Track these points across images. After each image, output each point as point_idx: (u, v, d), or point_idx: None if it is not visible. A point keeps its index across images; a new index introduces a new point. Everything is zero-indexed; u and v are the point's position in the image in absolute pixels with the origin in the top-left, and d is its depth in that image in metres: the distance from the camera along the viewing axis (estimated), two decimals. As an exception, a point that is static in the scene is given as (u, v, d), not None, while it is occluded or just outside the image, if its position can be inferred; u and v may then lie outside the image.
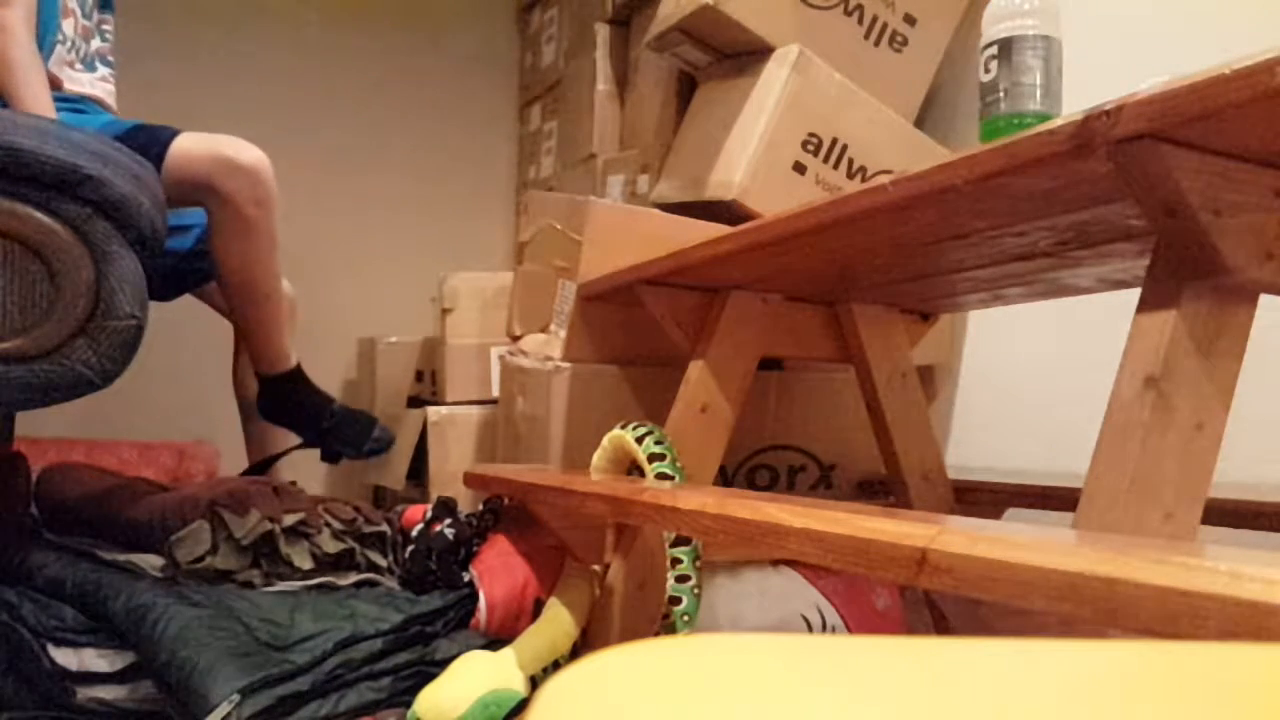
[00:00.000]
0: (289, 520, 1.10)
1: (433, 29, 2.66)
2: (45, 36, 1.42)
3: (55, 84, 1.45)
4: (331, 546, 1.12)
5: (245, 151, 1.36)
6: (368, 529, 1.17)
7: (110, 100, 1.59)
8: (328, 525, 1.13)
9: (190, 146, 1.37)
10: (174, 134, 1.38)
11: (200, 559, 1.05)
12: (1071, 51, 0.90)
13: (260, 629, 0.95)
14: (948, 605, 1.16)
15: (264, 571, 1.07)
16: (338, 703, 0.91)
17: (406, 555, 1.16)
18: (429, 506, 1.23)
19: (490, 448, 1.70)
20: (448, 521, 1.18)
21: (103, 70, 1.59)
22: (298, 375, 1.52)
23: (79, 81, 1.52)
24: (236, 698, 0.85)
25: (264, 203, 1.37)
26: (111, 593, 0.99)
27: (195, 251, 1.56)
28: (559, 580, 1.11)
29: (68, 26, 1.48)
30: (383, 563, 1.16)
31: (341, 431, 1.52)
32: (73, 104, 1.47)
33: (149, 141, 1.36)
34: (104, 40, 1.60)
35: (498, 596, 1.09)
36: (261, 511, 1.10)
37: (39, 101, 1.30)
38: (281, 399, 1.51)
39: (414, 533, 1.18)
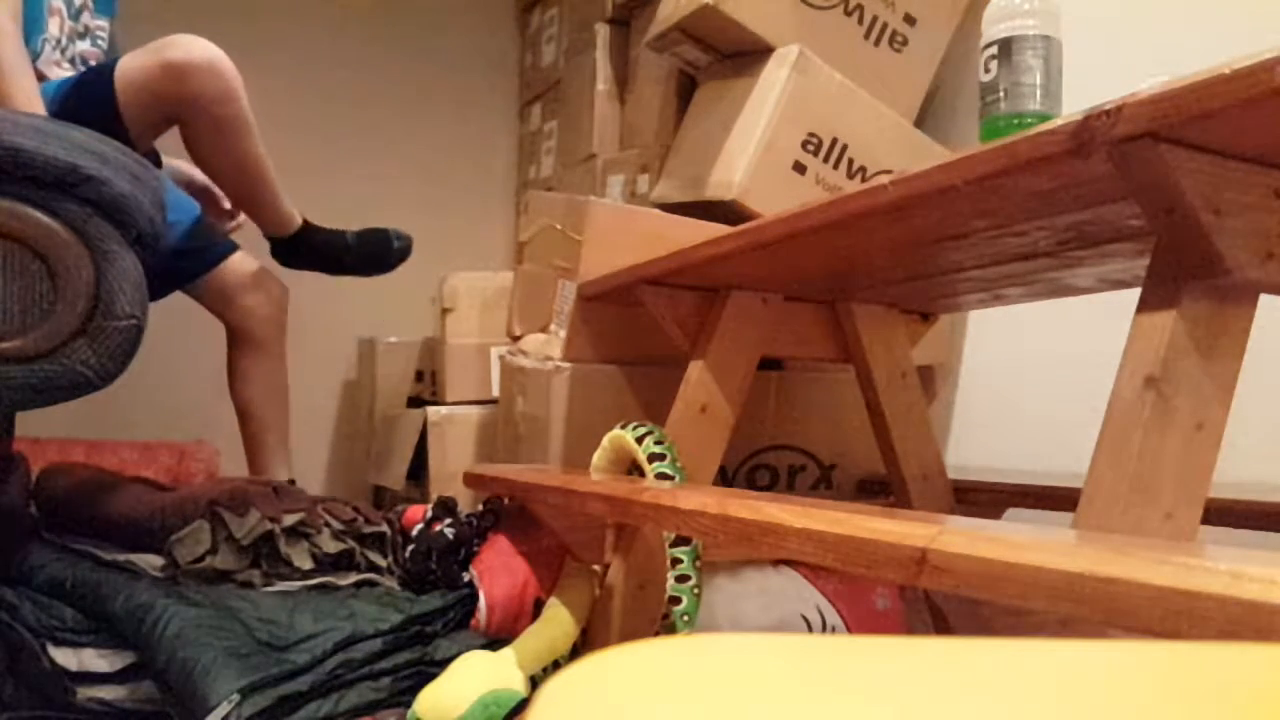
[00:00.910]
0: (289, 520, 1.10)
1: (433, 29, 2.66)
2: (33, 36, 1.40)
3: (41, 81, 1.43)
4: (331, 546, 1.12)
5: (194, 50, 1.31)
6: (367, 529, 1.17)
7: None
8: (327, 525, 1.13)
9: (136, 64, 1.32)
10: (115, 60, 1.35)
11: (200, 559, 1.05)
12: (1071, 51, 0.90)
13: (260, 629, 0.95)
14: (948, 605, 1.16)
15: (264, 571, 1.07)
16: (338, 703, 0.91)
17: (406, 555, 1.16)
18: (429, 506, 1.23)
19: (490, 448, 1.70)
20: (448, 521, 1.18)
21: None
22: (306, 230, 1.56)
23: None
24: (236, 698, 0.85)
25: (229, 97, 1.34)
26: (111, 593, 0.99)
27: (181, 250, 1.55)
28: (559, 580, 1.11)
29: (54, 26, 1.46)
30: (382, 563, 1.16)
31: (364, 260, 1.59)
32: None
33: (95, 78, 1.33)
34: (94, 44, 1.57)
35: (498, 596, 1.09)
36: (261, 511, 1.09)
37: (31, 101, 1.29)
38: (296, 253, 1.57)
39: (414, 533, 1.18)
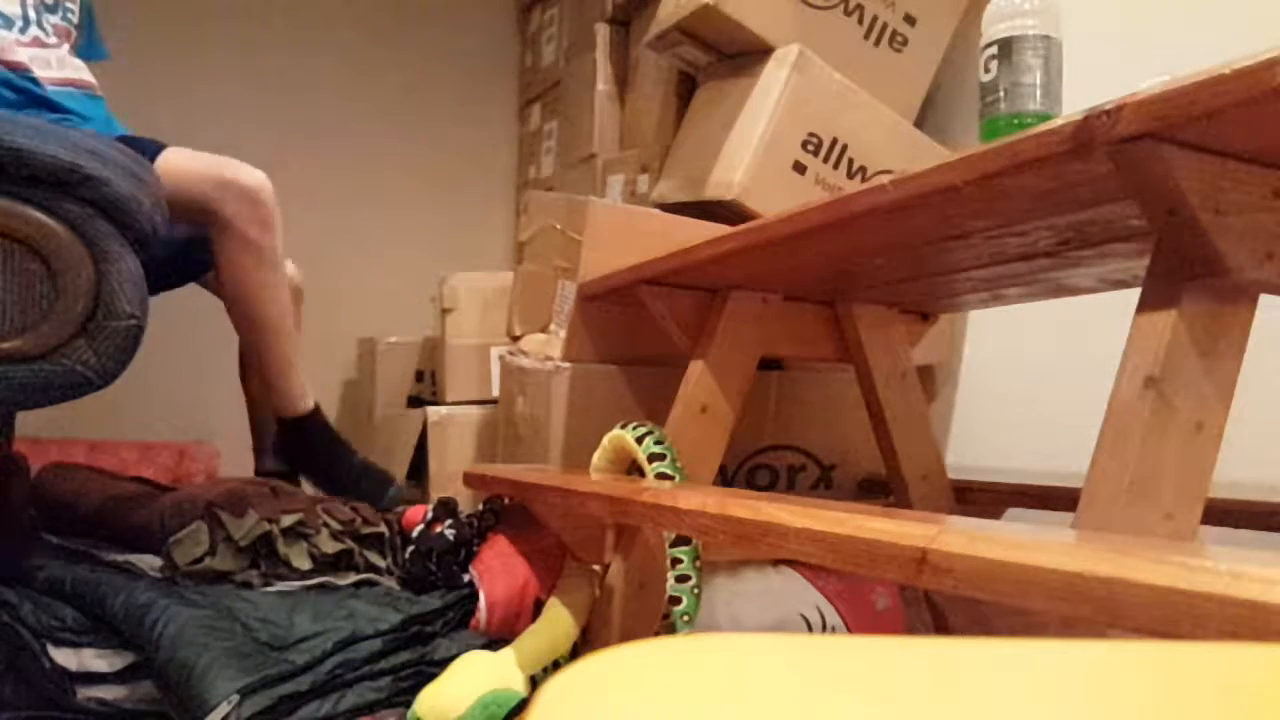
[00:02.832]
0: (287, 521, 1.10)
1: (433, 29, 2.66)
2: None
3: (22, 69, 1.37)
4: (330, 547, 1.12)
5: (245, 173, 1.34)
6: (365, 530, 1.17)
7: (87, 76, 1.49)
8: (326, 526, 1.13)
9: (183, 164, 1.33)
10: (158, 149, 1.34)
11: (198, 560, 1.05)
12: (1071, 51, 0.90)
13: (259, 629, 0.95)
14: (948, 605, 1.16)
15: (262, 572, 1.07)
16: (337, 703, 0.91)
17: (406, 556, 1.16)
18: (429, 507, 1.23)
19: (490, 448, 1.70)
20: (448, 522, 1.18)
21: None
22: (315, 418, 1.43)
23: (46, 63, 1.41)
24: (236, 698, 0.85)
25: (266, 224, 1.35)
26: (111, 593, 0.99)
27: (193, 240, 1.53)
28: (559, 580, 1.11)
29: (7, 6, 1.39)
30: (381, 563, 1.16)
31: (360, 486, 1.43)
32: (52, 102, 1.39)
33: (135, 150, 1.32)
34: (64, 18, 1.48)
35: (498, 596, 1.09)
36: (259, 512, 1.10)
37: None
38: (299, 444, 1.44)
39: (414, 533, 1.18)
